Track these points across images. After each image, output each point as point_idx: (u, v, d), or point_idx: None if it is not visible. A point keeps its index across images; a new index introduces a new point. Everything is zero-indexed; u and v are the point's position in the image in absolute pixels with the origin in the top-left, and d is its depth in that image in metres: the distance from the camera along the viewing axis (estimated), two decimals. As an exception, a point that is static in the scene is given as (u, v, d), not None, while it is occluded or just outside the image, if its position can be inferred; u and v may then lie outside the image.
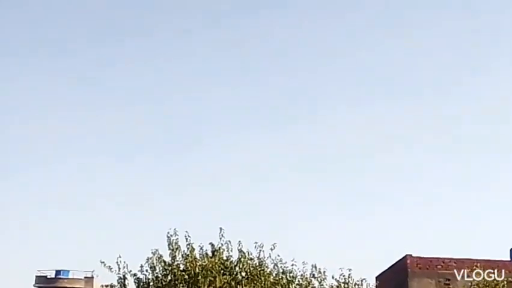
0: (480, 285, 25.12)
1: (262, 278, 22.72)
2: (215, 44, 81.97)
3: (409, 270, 31.80)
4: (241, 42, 79.94)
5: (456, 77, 78.49)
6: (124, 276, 21.88)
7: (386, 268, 35.40)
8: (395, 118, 77.96)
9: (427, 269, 31.77)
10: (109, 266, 21.73)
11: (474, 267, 26.88)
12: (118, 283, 22.01)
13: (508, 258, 34.48)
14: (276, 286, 22.95)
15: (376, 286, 28.94)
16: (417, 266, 31.90)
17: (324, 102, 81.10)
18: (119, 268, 21.72)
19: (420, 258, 32.21)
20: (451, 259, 31.98)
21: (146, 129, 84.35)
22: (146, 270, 21.94)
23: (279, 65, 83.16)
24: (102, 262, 21.75)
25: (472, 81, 78.26)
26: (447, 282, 30.78)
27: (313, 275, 24.34)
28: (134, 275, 21.96)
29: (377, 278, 34.97)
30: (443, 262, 31.94)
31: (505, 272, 28.80)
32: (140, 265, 21.96)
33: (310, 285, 24.20)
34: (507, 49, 78.50)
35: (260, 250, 23.13)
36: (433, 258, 32.16)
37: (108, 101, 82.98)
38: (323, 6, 79.56)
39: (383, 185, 76.32)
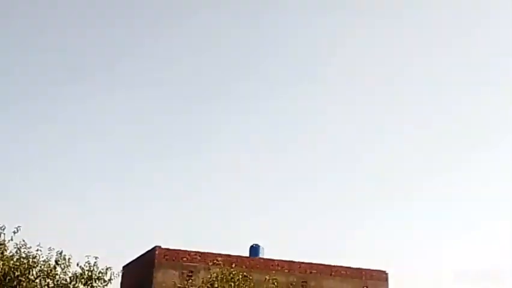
0: (218, 278, 26.86)
1: (1, 263, 21.77)
2: None
3: (156, 261, 32.67)
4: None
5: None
6: None
7: (135, 258, 35.96)
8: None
9: (173, 260, 32.97)
10: None
11: (215, 261, 28.67)
12: None
13: (247, 254, 37.35)
14: (15, 271, 22.14)
15: (122, 275, 29.36)
16: (164, 258, 32.90)
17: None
18: None
19: (168, 250, 33.26)
20: (196, 252, 33.64)
21: None
22: None
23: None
24: None
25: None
26: (190, 274, 32.31)
27: (58, 261, 23.96)
28: None
29: (124, 267, 35.45)
30: (189, 255, 33.45)
31: (243, 267, 31.40)
32: None
33: (53, 272, 23.77)
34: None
35: (1, 233, 22.18)
36: (180, 250, 33.45)
37: None
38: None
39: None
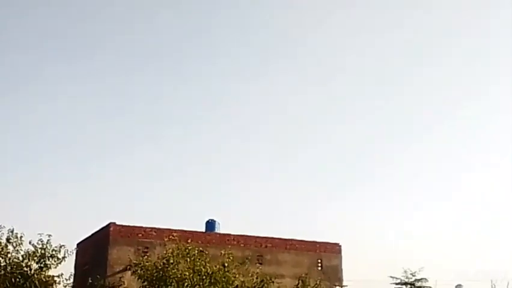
0: (174, 253, 26.86)
1: (-51, 242, 21.30)
2: None
3: (111, 238, 32.42)
4: None
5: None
6: None
7: (89, 235, 35.61)
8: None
9: (128, 237, 32.79)
10: None
11: (171, 237, 28.59)
12: None
13: (204, 230, 37.45)
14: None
15: (76, 252, 29.06)
16: (119, 234, 32.68)
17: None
18: None
19: (123, 226, 33.04)
20: (152, 228, 33.54)
21: None
22: None
23: None
24: None
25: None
26: (145, 250, 32.23)
27: (9, 239, 23.58)
28: None
29: (78, 244, 35.10)
30: (144, 231, 33.33)
31: (199, 242, 31.50)
32: None
33: (5, 251, 23.41)
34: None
35: (-51, 212, 21.63)
36: (135, 226, 33.27)
37: None
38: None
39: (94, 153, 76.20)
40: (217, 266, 26.78)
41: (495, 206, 69.32)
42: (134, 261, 27.96)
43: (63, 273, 24.79)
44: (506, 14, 69.41)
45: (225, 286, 26.50)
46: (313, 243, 38.41)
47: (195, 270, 26.13)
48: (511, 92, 78.35)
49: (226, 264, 26.97)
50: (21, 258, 23.86)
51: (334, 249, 38.76)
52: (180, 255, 26.50)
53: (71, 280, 25.71)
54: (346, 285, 38.21)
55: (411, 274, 39.33)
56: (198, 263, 26.42)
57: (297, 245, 37.74)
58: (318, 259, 38.01)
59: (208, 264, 26.60)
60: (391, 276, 39.92)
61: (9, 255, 23.67)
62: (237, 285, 27.32)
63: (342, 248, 39.11)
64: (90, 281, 30.07)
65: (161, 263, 26.30)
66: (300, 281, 30.89)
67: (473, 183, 74.92)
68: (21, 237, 23.90)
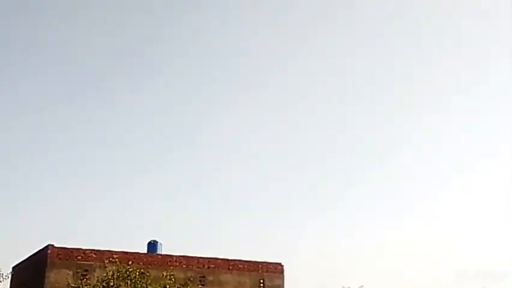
0: (115, 276, 26.42)
1: None
2: None
3: (49, 260, 31.57)
4: None
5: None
6: None
7: (26, 258, 34.60)
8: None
9: (67, 259, 32.02)
10: None
11: (111, 259, 28.15)
12: None
13: (145, 251, 36.99)
14: None
15: (12, 276, 28.19)
16: (57, 257, 31.88)
17: None
18: None
19: (62, 248, 32.26)
20: (91, 250, 32.87)
21: None
22: None
23: None
24: None
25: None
26: (84, 273, 31.53)
27: None
28: None
29: (14, 268, 34.03)
30: (84, 253, 32.63)
31: (140, 264, 31.12)
32: None
33: None
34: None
35: None
36: (74, 249, 32.54)
37: None
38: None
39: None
40: (159, 288, 26.50)
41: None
42: (73, 285, 27.36)
43: (-3, 298, 23.99)
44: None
45: (166, 308, 26.22)
46: (256, 263, 38.49)
47: (136, 293, 25.76)
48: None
49: (167, 287, 26.73)
50: (-48, 284, 22.96)
51: (276, 269, 38.94)
52: (121, 278, 26.08)
53: (6, 305, 24.87)
54: (288, 305, 38.43)
55: (350, 292, 39.85)
56: (139, 285, 26.06)
57: (239, 265, 37.74)
58: (260, 279, 38.08)
59: (149, 287, 26.28)
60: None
61: None
62: (179, 307, 27.06)
63: (285, 267, 39.37)
64: (26, 306, 29.17)
65: (101, 286, 25.80)
66: (243, 302, 30.88)
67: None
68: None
